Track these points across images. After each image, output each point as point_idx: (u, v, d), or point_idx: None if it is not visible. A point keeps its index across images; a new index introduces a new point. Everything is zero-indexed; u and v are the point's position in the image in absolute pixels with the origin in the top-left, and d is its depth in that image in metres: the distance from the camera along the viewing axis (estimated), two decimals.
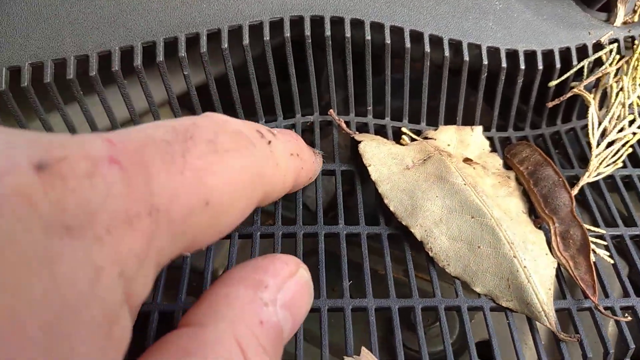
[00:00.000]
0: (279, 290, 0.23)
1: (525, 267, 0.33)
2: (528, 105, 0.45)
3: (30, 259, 0.14)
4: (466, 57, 0.41)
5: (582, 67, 0.44)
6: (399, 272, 0.40)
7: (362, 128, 0.43)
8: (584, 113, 0.48)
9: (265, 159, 0.25)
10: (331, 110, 0.42)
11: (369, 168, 0.38)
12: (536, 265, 0.34)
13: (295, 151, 0.28)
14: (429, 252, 0.34)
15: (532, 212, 0.39)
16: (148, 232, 0.18)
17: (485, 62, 0.41)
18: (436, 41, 0.41)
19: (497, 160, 0.42)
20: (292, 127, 0.42)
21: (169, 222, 0.19)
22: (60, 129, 0.38)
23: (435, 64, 0.43)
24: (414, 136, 0.43)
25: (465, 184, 0.37)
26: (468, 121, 0.45)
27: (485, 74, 0.42)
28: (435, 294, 0.33)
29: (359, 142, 0.39)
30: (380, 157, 0.39)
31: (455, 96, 0.44)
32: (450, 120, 0.45)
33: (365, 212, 0.37)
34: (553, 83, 0.44)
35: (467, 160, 0.40)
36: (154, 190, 0.18)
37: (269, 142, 0.25)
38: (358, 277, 0.34)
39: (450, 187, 0.37)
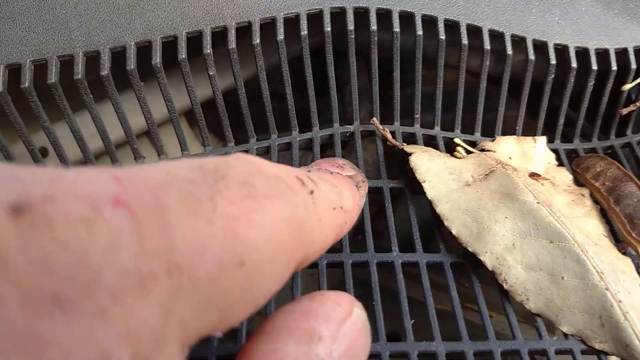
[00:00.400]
0: (335, 340, 0.19)
1: (620, 301, 0.28)
2: (597, 113, 0.41)
3: (5, 349, 0.10)
4: (532, 56, 0.37)
5: None
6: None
7: (409, 139, 0.39)
8: None
9: (308, 211, 0.20)
10: (374, 119, 0.38)
11: (423, 184, 0.33)
12: (631, 299, 0.29)
13: (339, 204, 0.23)
14: (504, 285, 0.30)
15: (613, 235, 0.34)
16: (166, 299, 0.14)
17: (554, 61, 0.37)
18: (496, 37, 0.37)
19: (566, 176, 0.38)
20: (330, 137, 0.38)
21: (194, 286, 0.15)
22: (66, 140, 0.34)
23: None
24: (470, 148, 0.39)
25: (538, 203, 0.32)
26: (526, 132, 0.41)
27: (553, 76, 0.38)
28: (515, 334, 0.28)
29: (409, 154, 0.35)
30: (435, 171, 0.34)
31: (508, 105, 0.40)
32: (506, 131, 0.41)
33: (400, 236, 0.32)
34: (628, 86, 0.40)
35: (533, 175, 0.36)
36: (174, 243, 0.14)
37: (312, 191, 0.21)
38: (411, 312, 0.29)
39: (521, 206, 0.32)
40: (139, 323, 0.13)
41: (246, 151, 0.36)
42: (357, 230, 0.40)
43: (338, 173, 0.27)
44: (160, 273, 0.13)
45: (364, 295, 0.29)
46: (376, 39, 0.36)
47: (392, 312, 0.29)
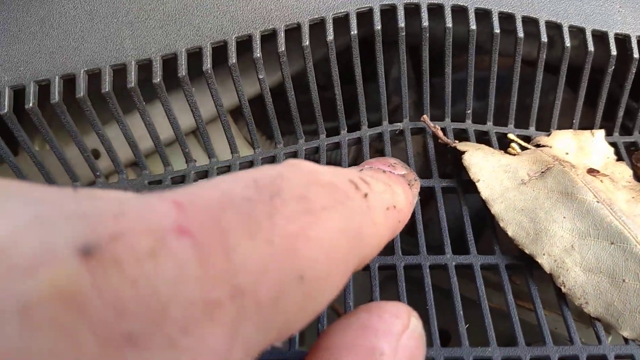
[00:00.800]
0: (395, 354, 0.20)
1: None
2: None
3: None
4: (591, 47, 0.37)
5: None
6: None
7: (460, 135, 0.39)
8: None
9: (363, 216, 0.21)
10: (425, 117, 0.38)
11: (477, 184, 0.34)
12: None
13: (392, 203, 0.23)
14: (562, 288, 0.30)
15: None
16: (232, 323, 0.14)
17: (614, 52, 0.37)
18: (553, 29, 0.37)
19: (626, 171, 0.37)
20: (379, 136, 0.38)
21: (257, 307, 0.15)
22: (117, 141, 0.35)
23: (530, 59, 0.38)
24: (524, 143, 0.39)
25: (598, 202, 0.32)
26: (582, 123, 0.41)
27: (613, 67, 0.37)
28: (574, 339, 0.29)
29: (462, 152, 0.35)
30: (490, 170, 0.35)
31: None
32: (561, 123, 0.40)
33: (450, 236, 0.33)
34: None
35: (592, 171, 0.36)
36: (237, 267, 0.15)
37: (365, 194, 0.21)
38: (463, 311, 0.30)
39: (580, 205, 0.32)
40: (207, 350, 0.13)
41: (295, 153, 0.37)
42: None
43: (390, 172, 0.28)
44: (225, 298, 0.14)
45: (413, 291, 0.30)
46: (427, 35, 0.36)
47: (442, 308, 0.30)
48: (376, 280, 0.30)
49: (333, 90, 0.37)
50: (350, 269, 0.20)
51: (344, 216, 0.19)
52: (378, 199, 0.22)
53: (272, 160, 0.37)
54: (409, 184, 0.28)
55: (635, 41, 0.37)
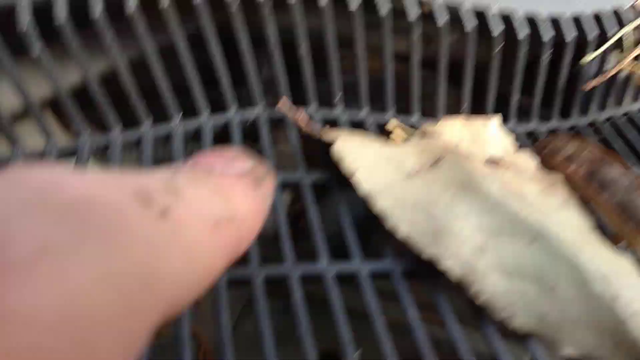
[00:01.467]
0: None
1: (637, 312, 0.22)
2: (555, 90, 0.36)
3: None
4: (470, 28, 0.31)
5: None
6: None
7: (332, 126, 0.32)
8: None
9: (157, 250, 0.14)
10: (284, 99, 0.30)
11: (354, 177, 0.26)
12: None
13: (226, 213, 0.17)
14: (477, 298, 0.22)
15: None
16: None
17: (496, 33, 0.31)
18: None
19: (530, 161, 0.31)
20: (225, 126, 0.30)
21: None
22: None
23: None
24: (408, 131, 0.32)
25: (506, 194, 0.26)
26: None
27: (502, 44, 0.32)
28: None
29: (333, 142, 0.27)
30: (369, 160, 0.27)
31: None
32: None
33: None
34: (589, 58, 0.35)
35: (492, 161, 0.29)
36: None
37: (163, 211, 0.14)
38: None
39: (485, 198, 0.25)
40: None
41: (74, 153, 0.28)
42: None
43: (224, 171, 0.19)
44: None
45: (286, 309, 0.23)
46: None
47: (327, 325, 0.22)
48: (222, 302, 0.22)
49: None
50: (142, 328, 0.13)
51: (104, 260, 0.13)
52: (197, 212, 0.16)
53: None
54: (256, 183, 0.19)
55: (523, 19, 0.33)
